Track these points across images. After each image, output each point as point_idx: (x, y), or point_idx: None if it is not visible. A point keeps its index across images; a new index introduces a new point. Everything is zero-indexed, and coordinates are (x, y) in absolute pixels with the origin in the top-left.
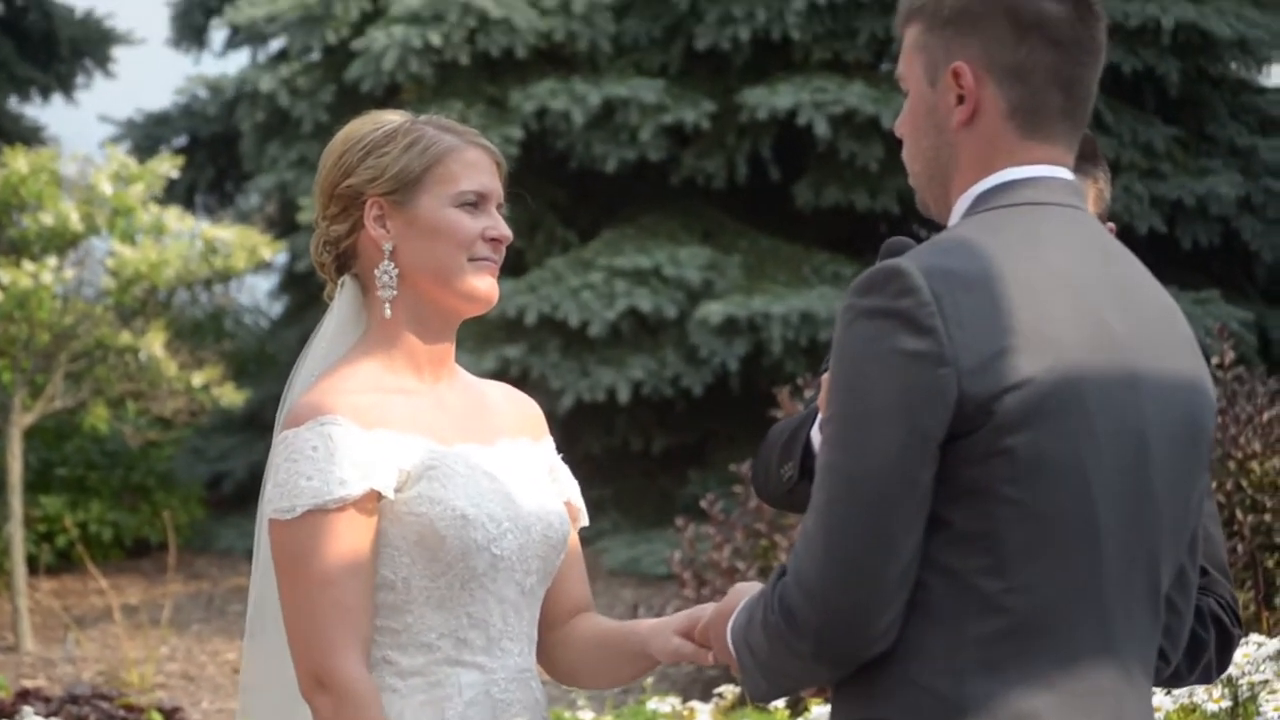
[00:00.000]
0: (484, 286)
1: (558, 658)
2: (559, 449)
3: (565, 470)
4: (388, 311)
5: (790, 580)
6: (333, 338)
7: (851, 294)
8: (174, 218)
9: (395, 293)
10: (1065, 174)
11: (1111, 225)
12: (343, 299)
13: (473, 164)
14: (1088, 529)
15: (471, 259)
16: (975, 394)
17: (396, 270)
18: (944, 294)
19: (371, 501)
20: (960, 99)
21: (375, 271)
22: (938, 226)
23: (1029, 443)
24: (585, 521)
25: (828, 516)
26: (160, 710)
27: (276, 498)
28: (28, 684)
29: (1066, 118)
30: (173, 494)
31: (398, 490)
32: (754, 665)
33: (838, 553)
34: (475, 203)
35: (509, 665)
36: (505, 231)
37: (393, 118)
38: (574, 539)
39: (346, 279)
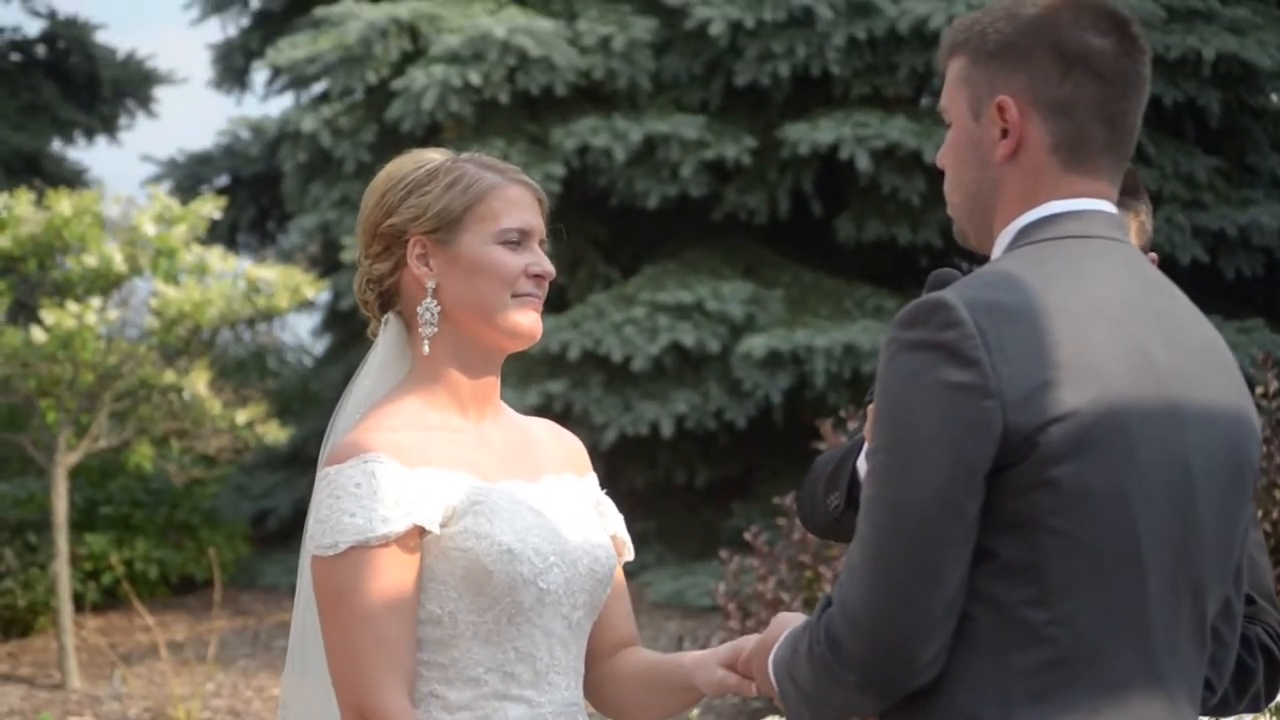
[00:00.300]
0: (527, 322)
1: (604, 691)
2: (602, 483)
3: (610, 505)
4: (428, 350)
5: (836, 611)
6: (376, 375)
7: (896, 327)
8: (217, 258)
9: (437, 330)
10: (1108, 207)
11: (1153, 255)
12: (386, 336)
13: (514, 201)
14: (1133, 560)
15: (515, 295)
16: (1020, 426)
17: (439, 308)
18: (988, 327)
19: (414, 538)
20: (1004, 133)
21: (418, 310)
22: (980, 259)
23: (1074, 474)
24: (630, 555)
25: (873, 548)
26: None
27: (319, 534)
28: None
29: (1110, 151)
30: (217, 531)
31: (443, 526)
32: (797, 696)
33: (883, 584)
34: (517, 240)
35: (556, 699)
36: (548, 268)
37: (434, 156)
38: (619, 573)
39: (390, 316)
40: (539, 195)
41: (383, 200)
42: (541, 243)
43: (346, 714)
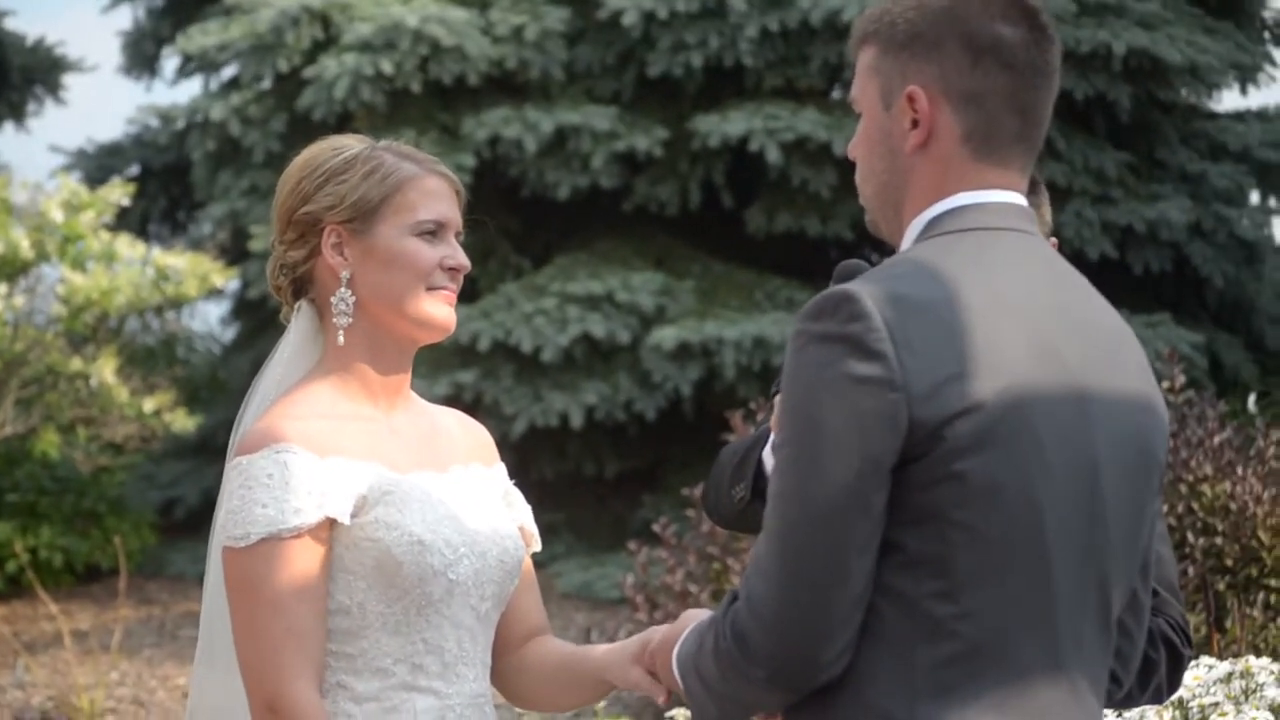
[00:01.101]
0: (441, 315)
1: (513, 681)
2: (512, 474)
3: (518, 495)
4: (341, 339)
5: (742, 606)
6: (288, 362)
7: (802, 319)
8: (125, 245)
9: (351, 320)
10: (1018, 199)
11: (1053, 240)
12: (298, 324)
13: (432, 192)
14: (1038, 553)
15: (429, 288)
16: (926, 419)
17: (354, 298)
18: (894, 319)
19: (325, 529)
20: (915, 123)
21: (332, 299)
22: (890, 251)
23: (979, 468)
24: (538, 546)
25: (780, 542)
26: None
27: (231, 525)
28: None
29: (1020, 141)
30: (124, 519)
31: (353, 516)
32: (703, 692)
33: (790, 578)
34: (434, 231)
35: (464, 690)
36: (464, 261)
37: (352, 143)
38: (528, 563)
39: (303, 304)
40: (456, 187)
41: (298, 187)
42: (458, 235)
43: (255, 705)
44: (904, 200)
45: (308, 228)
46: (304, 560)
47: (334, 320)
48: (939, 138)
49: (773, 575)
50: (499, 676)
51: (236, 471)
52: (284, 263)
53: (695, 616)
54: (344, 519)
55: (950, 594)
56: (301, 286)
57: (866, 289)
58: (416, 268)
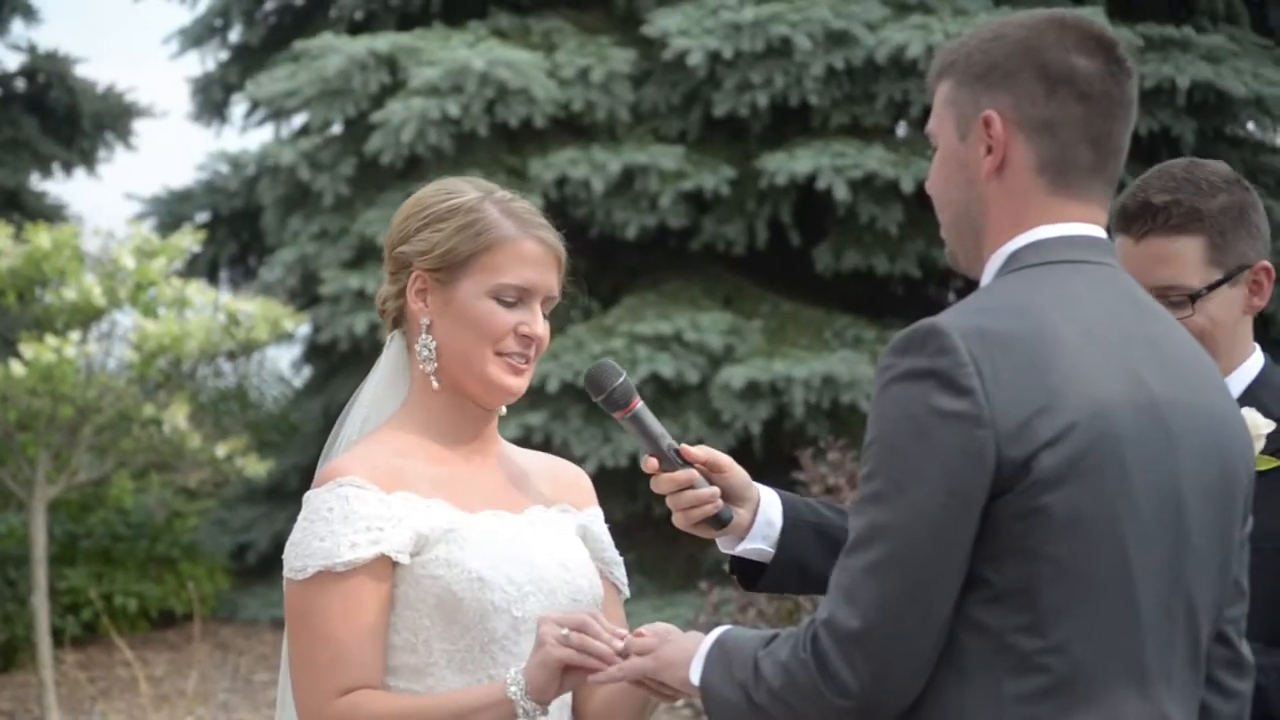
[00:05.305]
0: (505, 382)
1: (588, 709)
2: None
3: (603, 536)
4: (435, 384)
5: (824, 633)
6: (382, 392)
7: (889, 354)
8: (196, 291)
9: (436, 365)
10: (1098, 231)
11: None
12: (388, 355)
13: (523, 257)
14: (1124, 586)
15: (498, 353)
16: (1013, 453)
17: (435, 344)
18: (981, 354)
19: (385, 566)
20: (989, 149)
21: (415, 345)
22: (959, 288)
23: (1065, 501)
24: (618, 592)
25: (864, 574)
26: None
27: (290, 557)
28: None
29: (1098, 173)
30: (198, 565)
31: (415, 554)
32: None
33: (875, 610)
34: (514, 299)
35: None
36: (538, 331)
37: (464, 190)
38: (608, 600)
39: (396, 334)
40: (558, 254)
41: (403, 225)
42: (548, 301)
43: None
44: (983, 231)
45: (400, 267)
46: (358, 595)
47: (421, 367)
48: (1013, 166)
49: (857, 602)
50: (575, 702)
51: (304, 505)
52: (384, 295)
53: (676, 636)
54: (402, 558)
55: (1036, 627)
56: (397, 318)
57: (952, 323)
58: (487, 330)
